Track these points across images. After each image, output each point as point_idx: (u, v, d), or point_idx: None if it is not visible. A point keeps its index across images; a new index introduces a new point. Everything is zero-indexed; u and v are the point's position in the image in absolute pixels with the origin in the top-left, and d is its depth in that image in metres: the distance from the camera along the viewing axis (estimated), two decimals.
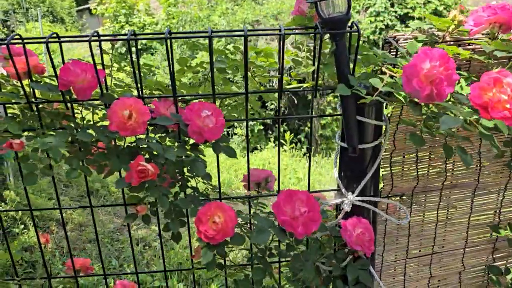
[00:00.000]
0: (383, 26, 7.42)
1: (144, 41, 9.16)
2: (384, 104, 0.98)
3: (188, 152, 0.94)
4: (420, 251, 1.18)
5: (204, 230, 0.86)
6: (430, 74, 0.70)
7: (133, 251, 1.10)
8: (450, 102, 0.78)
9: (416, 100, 0.75)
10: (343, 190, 1.02)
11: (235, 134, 6.47)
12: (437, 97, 0.71)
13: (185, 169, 0.97)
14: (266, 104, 6.27)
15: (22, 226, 3.09)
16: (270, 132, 6.50)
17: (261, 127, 6.27)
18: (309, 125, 6.51)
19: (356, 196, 1.00)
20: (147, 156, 0.93)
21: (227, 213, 0.88)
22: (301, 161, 5.73)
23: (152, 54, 9.47)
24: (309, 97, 6.25)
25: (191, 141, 0.97)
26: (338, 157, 1.05)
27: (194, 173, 0.95)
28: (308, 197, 0.86)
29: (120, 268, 2.93)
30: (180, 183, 0.98)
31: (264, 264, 0.94)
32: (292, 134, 6.10)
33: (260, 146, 6.16)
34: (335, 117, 5.89)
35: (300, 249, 0.94)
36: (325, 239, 1.09)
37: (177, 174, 0.97)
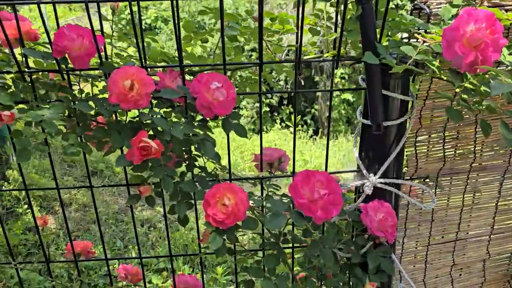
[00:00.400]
0: None
1: (148, 21, 8.99)
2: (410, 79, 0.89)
3: (196, 130, 0.85)
4: (443, 237, 1.10)
5: (212, 214, 0.79)
6: (474, 38, 0.61)
7: (136, 234, 1.03)
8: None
9: (456, 68, 0.66)
10: (364, 171, 0.94)
11: (241, 116, 6.36)
12: (482, 64, 0.62)
13: (192, 148, 0.89)
14: (272, 86, 6.17)
15: (25, 206, 3.05)
16: (276, 114, 6.40)
17: (267, 109, 6.17)
18: (315, 107, 6.41)
19: (379, 178, 0.92)
20: (151, 133, 0.85)
21: (238, 195, 0.80)
22: (307, 143, 5.64)
23: (156, 34, 9.31)
24: (316, 78, 6.12)
25: (199, 117, 0.89)
26: (359, 136, 0.96)
27: (202, 153, 0.87)
28: (328, 178, 0.78)
29: (124, 249, 2.89)
30: (187, 162, 0.90)
31: (278, 251, 0.86)
32: (299, 116, 6.00)
33: (266, 128, 6.08)
34: (342, 98, 5.78)
35: (316, 235, 0.87)
36: (342, 224, 1.02)
37: (184, 153, 0.89)
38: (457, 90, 0.75)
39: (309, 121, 6.27)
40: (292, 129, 5.97)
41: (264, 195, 0.93)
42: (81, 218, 3.22)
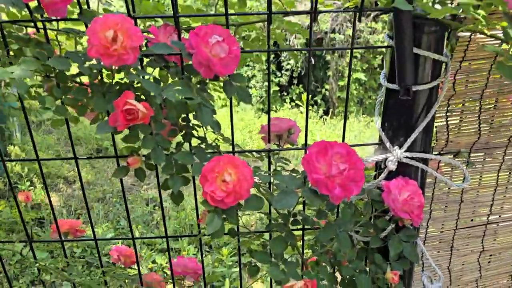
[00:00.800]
0: None
1: None
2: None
3: (192, 93, 0.73)
4: (472, 220, 0.98)
5: (211, 191, 0.67)
6: None
7: (127, 211, 0.92)
8: None
9: None
10: (387, 144, 0.82)
11: (246, 78, 6.21)
12: None
13: (191, 116, 0.78)
14: (282, 64, 5.98)
15: (28, 183, 2.98)
16: (286, 94, 6.24)
17: (277, 88, 6.00)
18: (326, 86, 6.22)
19: (404, 151, 0.80)
20: (143, 97, 0.73)
21: (241, 170, 0.68)
22: (318, 123, 5.49)
23: None
24: (327, 57, 5.92)
25: (198, 78, 0.77)
26: (382, 103, 0.84)
27: (199, 121, 0.75)
28: (349, 151, 0.65)
29: (128, 228, 2.81)
30: (183, 132, 0.79)
31: (287, 235, 0.75)
32: (310, 96, 5.83)
33: (276, 107, 5.92)
34: (354, 78, 5.59)
35: (330, 216, 0.75)
36: (360, 204, 0.90)
37: (180, 121, 0.77)
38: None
39: (319, 101, 6.10)
40: (302, 109, 5.82)
41: (271, 170, 0.81)
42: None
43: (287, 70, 5.97)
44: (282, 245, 0.76)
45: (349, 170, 0.64)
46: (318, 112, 5.86)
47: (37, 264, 0.95)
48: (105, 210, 2.99)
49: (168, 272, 1.04)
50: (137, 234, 2.69)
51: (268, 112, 0.85)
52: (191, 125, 0.79)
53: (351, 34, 0.73)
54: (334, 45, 5.70)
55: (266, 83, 5.96)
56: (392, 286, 0.84)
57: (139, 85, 0.73)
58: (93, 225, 2.73)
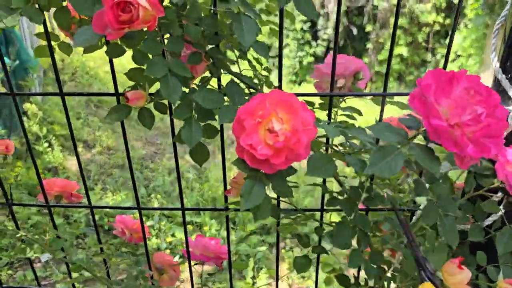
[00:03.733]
0: None
1: None
2: None
3: None
4: None
5: (249, 146, 0.43)
6: None
7: (134, 183, 0.69)
8: None
9: None
10: (511, 92, 0.54)
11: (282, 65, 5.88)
12: None
13: (224, 31, 0.52)
14: (318, 34, 5.62)
15: (46, 145, 2.83)
16: None
17: (311, 59, 5.66)
18: (365, 59, 5.83)
19: None
20: None
21: (299, 115, 0.43)
22: (366, 103, 5.15)
23: None
24: (368, 28, 5.51)
25: None
26: (505, 31, 0.56)
27: (238, 40, 0.50)
28: (488, 90, 0.39)
29: (148, 197, 2.63)
30: (210, 60, 0.53)
31: (357, 218, 0.50)
32: None
33: (309, 78, 5.61)
34: (396, 54, 5.18)
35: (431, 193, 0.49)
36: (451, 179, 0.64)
37: (205, 40, 0.52)
38: None
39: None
40: None
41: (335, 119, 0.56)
42: (105, 161, 2.98)
43: (323, 40, 5.60)
44: (349, 232, 0.51)
45: (488, 117, 0.37)
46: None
47: (18, 235, 0.74)
48: (124, 178, 2.82)
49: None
50: (156, 204, 2.50)
51: (334, 43, 0.58)
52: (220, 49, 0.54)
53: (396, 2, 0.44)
54: (375, 15, 5.29)
55: (299, 53, 5.62)
56: None
57: None
58: (115, 192, 2.55)
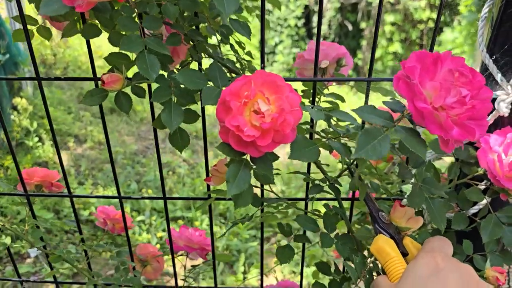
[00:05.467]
0: None
1: None
2: None
3: None
4: None
5: (235, 127, 0.41)
6: None
7: (114, 169, 0.68)
8: None
9: None
10: (498, 76, 0.53)
11: (275, 61, 5.88)
12: None
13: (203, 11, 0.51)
14: (313, 31, 5.60)
15: (36, 139, 2.79)
16: None
17: None
18: (359, 55, 5.82)
19: None
20: None
21: (285, 95, 0.42)
22: (348, 94, 5.15)
23: None
24: (362, 25, 5.50)
25: None
26: (491, 16, 0.55)
27: (217, 7, 0.48)
28: (472, 71, 0.38)
29: (139, 192, 2.61)
30: (191, 42, 0.52)
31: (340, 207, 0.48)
32: None
33: None
34: (390, 52, 5.19)
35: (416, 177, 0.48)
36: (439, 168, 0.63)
37: (184, 20, 0.51)
38: None
39: (350, 72, 5.74)
40: None
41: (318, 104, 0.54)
42: (96, 156, 2.96)
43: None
44: (333, 219, 0.49)
45: (473, 98, 0.36)
46: (349, 83, 5.52)
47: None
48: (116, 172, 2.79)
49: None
50: (146, 200, 2.48)
51: (318, 30, 0.57)
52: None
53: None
54: (369, 12, 5.28)
55: (294, 50, 5.60)
56: None
57: None
58: (85, 180, 2.52)
